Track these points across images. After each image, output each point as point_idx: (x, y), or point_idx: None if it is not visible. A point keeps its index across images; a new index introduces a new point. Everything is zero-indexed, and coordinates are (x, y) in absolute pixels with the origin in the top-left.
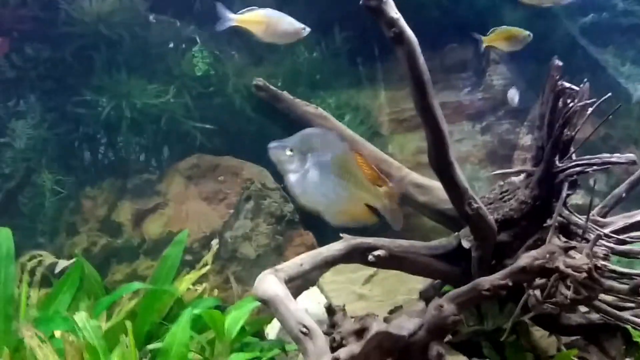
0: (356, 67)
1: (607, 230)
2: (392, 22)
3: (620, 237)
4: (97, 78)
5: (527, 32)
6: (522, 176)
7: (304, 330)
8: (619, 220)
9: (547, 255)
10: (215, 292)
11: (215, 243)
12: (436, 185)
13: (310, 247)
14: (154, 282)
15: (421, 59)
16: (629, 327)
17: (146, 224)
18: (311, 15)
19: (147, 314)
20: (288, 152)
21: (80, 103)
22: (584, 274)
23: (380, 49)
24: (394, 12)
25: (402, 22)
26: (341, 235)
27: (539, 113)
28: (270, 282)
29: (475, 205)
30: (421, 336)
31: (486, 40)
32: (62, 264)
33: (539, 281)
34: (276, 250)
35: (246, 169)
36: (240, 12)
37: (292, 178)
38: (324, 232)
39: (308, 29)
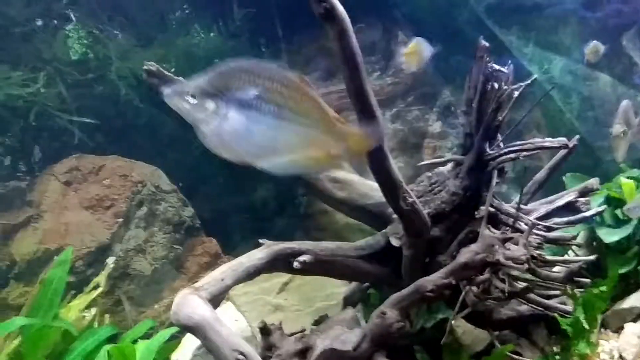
0: (258, 49)
1: (532, 217)
2: None
3: (547, 224)
4: None
5: None
6: (450, 166)
7: (241, 357)
8: (541, 207)
9: (487, 249)
10: (107, 317)
11: (111, 261)
12: (355, 179)
13: (215, 256)
14: (36, 312)
15: (354, 38)
16: (555, 315)
17: (16, 242)
18: None
19: (31, 355)
20: (190, 99)
21: None
22: (526, 266)
23: (284, 28)
24: None
25: None
26: (260, 241)
27: (465, 97)
28: (193, 305)
29: (410, 200)
30: (365, 348)
31: None
32: None
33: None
34: (175, 262)
35: (136, 170)
36: None
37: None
38: (228, 237)
39: None
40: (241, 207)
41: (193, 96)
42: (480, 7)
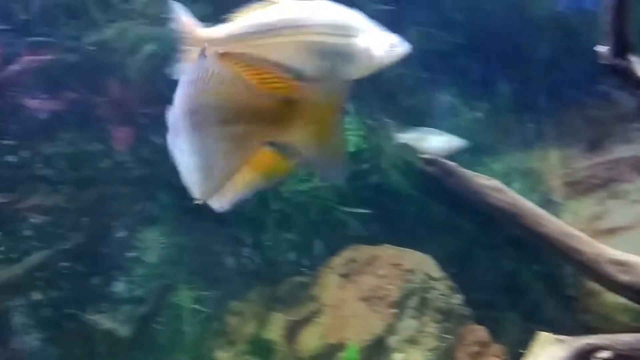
0: (523, 125)
1: None
2: None
3: None
4: None
5: None
6: None
7: None
8: None
9: None
10: None
11: (402, 359)
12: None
13: (485, 345)
14: None
15: None
16: None
17: (301, 338)
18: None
19: None
20: None
21: None
22: None
23: (549, 100)
24: None
25: None
26: (557, 338)
27: None
28: None
29: None
30: None
31: None
32: None
33: None
34: (446, 353)
35: (407, 258)
36: None
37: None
38: (496, 323)
39: None
40: (507, 291)
41: None
42: None
